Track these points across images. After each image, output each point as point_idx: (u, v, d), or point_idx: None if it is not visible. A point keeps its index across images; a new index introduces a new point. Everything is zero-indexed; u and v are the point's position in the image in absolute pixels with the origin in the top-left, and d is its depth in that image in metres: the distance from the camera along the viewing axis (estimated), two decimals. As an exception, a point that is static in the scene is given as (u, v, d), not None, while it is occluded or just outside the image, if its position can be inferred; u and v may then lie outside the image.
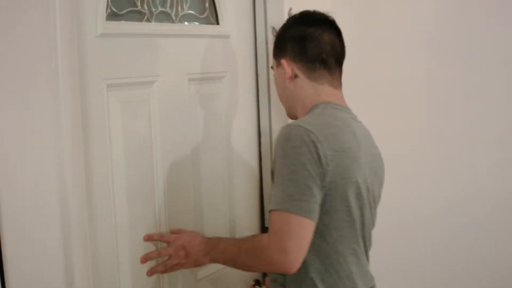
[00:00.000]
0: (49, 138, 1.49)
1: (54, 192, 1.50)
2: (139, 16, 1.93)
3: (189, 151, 2.07)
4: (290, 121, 1.91)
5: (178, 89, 2.02)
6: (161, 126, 1.95)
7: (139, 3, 1.91)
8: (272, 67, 1.95)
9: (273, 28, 2.02)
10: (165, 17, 2.03)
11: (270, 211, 1.62)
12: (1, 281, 1.46)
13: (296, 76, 1.82)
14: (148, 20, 1.94)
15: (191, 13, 2.13)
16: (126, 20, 1.88)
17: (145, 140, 1.91)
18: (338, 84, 1.84)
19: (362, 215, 1.75)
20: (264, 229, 2.38)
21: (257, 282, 2.28)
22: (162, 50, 1.95)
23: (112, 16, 1.82)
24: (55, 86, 1.48)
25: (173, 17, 2.05)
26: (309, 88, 1.81)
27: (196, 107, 2.10)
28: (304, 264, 1.64)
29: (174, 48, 1.99)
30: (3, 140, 1.44)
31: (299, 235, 1.57)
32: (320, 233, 1.65)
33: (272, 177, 1.67)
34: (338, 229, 1.69)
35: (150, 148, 1.93)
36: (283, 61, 1.82)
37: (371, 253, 1.86)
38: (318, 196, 1.60)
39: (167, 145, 1.97)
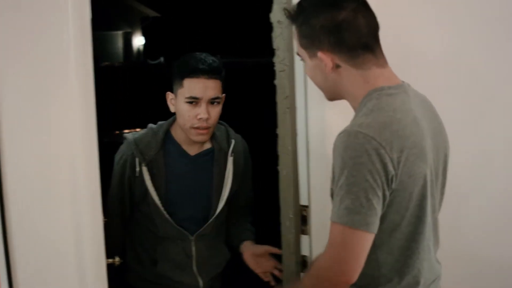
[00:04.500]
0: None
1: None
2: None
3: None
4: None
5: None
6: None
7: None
8: (298, 54, 1.81)
9: (285, 9, 1.82)
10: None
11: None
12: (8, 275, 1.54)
13: (338, 66, 1.67)
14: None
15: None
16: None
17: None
18: (383, 61, 1.70)
19: (433, 205, 1.70)
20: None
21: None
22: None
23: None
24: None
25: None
26: (356, 76, 1.67)
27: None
28: (377, 262, 1.65)
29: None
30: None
31: (355, 248, 1.54)
32: (392, 231, 1.63)
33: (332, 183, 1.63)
34: (409, 226, 1.64)
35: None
36: (321, 55, 1.66)
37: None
38: (378, 208, 1.54)
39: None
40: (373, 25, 1.68)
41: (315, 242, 2.15)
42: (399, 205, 1.60)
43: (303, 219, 2.16)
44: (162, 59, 7.33)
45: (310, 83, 2.09)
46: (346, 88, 1.71)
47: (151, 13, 8.59)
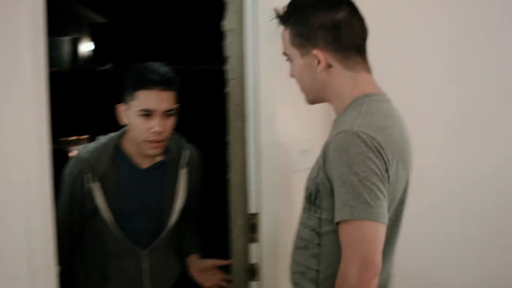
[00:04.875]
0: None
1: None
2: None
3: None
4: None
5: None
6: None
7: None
8: (285, 54, 1.82)
9: (275, 9, 1.82)
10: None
11: (337, 222, 1.58)
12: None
13: (330, 65, 1.71)
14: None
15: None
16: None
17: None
18: (369, 66, 1.76)
19: (402, 212, 1.74)
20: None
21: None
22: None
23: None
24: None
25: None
26: (346, 78, 1.72)
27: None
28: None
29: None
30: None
31: (376, 241, 1.55)
32: None
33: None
34: (387, 229, 1.63)
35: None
36: (317, 52, 1.70)
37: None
38: (387, 200, 1.58)
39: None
40: (365, 29, 1.74)
41: (265, 250, 2.15)
42: None
43: (252, 227, 2.16)
44: (110, 65, 7.23)
45: (261, 91, 2.12)
46: (334, 89, 1.74)
47: (100, 19, 8.49)
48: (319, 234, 1.69)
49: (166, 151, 2.28)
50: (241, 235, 2.18)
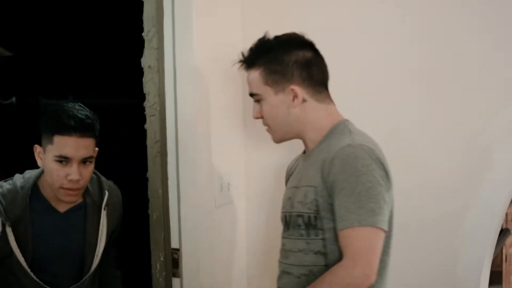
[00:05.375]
0: None
1: None
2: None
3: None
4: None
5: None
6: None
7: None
8: (253, 95, 1.90)
9: (242, 53, 1.90)
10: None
11: (341, 230, 1.66)
12: None
13: (304, 100, 1.83)
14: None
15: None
16: None
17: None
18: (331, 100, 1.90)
19: (392, 224, 1.81)
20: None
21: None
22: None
23: None
24: None
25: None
26: (320, 110, 1.85)
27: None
28: None
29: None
30: None
31: (377, 248, 1.66)
32: None
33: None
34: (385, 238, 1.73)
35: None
36: (295, 87, 1.82)
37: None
38: (389, 209, 1.71)
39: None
40: (327, 68, 1.88)
41: (187, 285, 2.16)
42: None
43: (174, 262, 2.16)
44: (14, 99, 7.01)
45: (181, 128, 2.14)
46: (310, 121, 1.84)
47: (4, 52, 8.28)
48: (325, 255, 1.74)
49: (85, 193, 2.16)
50: (162, 270, 2.18)
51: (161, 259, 2.18)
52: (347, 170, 1.67)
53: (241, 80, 2.35)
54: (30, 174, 2.14)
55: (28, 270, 2.06)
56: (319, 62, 1.86)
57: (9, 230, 2.04)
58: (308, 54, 1.84)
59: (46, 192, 2.11)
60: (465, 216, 2.24)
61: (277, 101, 1.84)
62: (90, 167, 2.07)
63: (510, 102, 2.11)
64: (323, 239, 1.73)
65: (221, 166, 2.27)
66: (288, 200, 1.87)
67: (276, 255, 2.43)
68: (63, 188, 2.03)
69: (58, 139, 2.00)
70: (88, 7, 4.03)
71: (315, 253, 1.74)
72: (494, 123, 2.11)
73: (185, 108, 2.14)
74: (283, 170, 2.34)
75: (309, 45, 1.87)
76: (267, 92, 1.85)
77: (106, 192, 2.19)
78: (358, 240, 1.64)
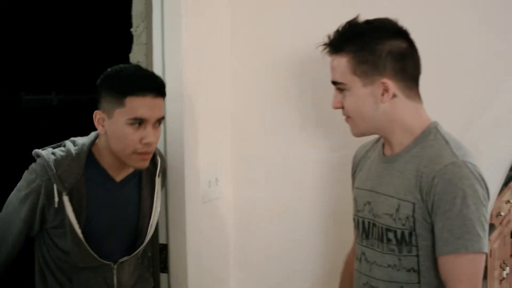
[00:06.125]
0: None
1: None
2: None
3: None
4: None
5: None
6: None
7: None
8: (335, 83, 1.72)
9: (329, 36, 1.72)
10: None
11: (445, 255, 1.58)
12: None
13: (394, 95, 1.66)
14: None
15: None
16: None
17: None
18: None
19: None
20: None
21: None
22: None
23: None
24: None
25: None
26: (409, 108, 1.68)
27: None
28: None
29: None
30: None
31: (482, 272, 1.60)
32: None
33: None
34: None
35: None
36: (386, 81, 1.64)
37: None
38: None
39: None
40: (420, 62, 1.71)
41: (174, 280, 2.18)
42: None
43: (162, 257, 2.18)
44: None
45: (168, 123, 2.13)
46: (400, 120, 1.69)
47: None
48: (418, 273, 1.65)
49: None
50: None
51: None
52: (452, 191, 1.56)
53: (230, 74, 2.38)
54: (83, 140, 2.00)
55: (84, 241, 1.94)
56: (414, 54, 1.68)
57: (66, 199, 1.91)
58: (403, 45, 1.66)
59: (104, 160, 1.99)
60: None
61: (365, 93, 1.67)
62: (160, 130, 1.97)
63: (497, 97, 2.11)
64: (417, 255, 1.64)
65: (208, 161, 2.28)
66: (367, 205, 1.76)
67: (263, 250, 2.45)
68: (137, 153, 1.91)
69: (131, 101, 1.88)
70: (76, 2, 4.02)
71: (408, 270, 1.66)
72: (481, 119, 2.12)
73: (173, 104, 2.12)
74: (270, 165, 2.36)
75: (404, 34, 1.68)
76: (354, 83, 1.68)
77: (159, 159, 2.08)
78: (464, 267, 1.58)
